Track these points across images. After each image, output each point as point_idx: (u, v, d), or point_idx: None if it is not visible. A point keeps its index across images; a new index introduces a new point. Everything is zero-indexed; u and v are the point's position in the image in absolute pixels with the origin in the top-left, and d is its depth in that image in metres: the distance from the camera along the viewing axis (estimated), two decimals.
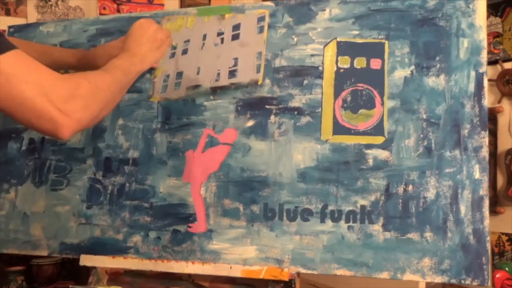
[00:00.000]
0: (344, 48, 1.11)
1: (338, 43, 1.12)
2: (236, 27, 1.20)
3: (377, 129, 1.06)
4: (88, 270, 1.18)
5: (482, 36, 1.03)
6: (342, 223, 1.04)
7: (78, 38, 1.35)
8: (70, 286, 1.20)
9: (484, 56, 1.02)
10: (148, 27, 1.14)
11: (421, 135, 1.03)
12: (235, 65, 1.17)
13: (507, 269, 1.64)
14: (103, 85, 0.90)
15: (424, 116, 1.04)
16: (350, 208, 1.04)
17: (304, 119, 1.10)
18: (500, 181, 1.83)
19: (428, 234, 0.99)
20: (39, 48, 1.23)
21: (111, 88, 0.93)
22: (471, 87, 1.02)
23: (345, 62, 1.10)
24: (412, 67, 1.06)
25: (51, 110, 0.78)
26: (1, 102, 0.76)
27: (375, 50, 1.09)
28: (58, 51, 1.25)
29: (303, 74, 1.13)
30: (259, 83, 1.15)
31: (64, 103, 0.79)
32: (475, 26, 1.04)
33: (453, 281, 0.96)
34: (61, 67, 1.24)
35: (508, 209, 1.80)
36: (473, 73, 1.02)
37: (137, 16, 1.32)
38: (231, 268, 1.07)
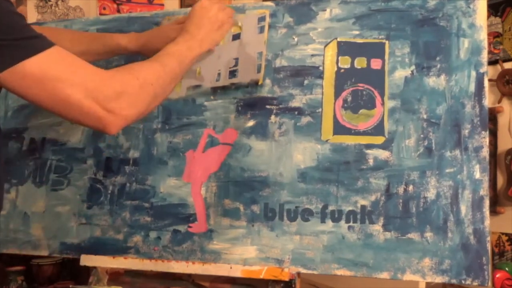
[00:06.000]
0: (345, 48, 1.11)
1: (339, 43, 1.12)
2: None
3: (378, 129, 1.06)
4: (88, 270, 1.18)
5: (483, 36, 1.03)
6: (343, 223, 1.04)
7: None
8: (70, 286, 1.21)
9: (484, 56, 1.02)
10: (210, 7, 1.08)
11: (422, 135, 1.03)
12: (236, 65, 1.17)
13: (507, 269, 1.64)
14: (152, 79, 0.87)
15: (425, 116, 1.04)
16: (351, 208, 1.04)
17: (305, 119, 1.10)
18: (500, 181, 1.83)
19: (428, 234, 0.99)
20: (88, 35, 1.21)
21: (160, 81, 0.90)
22: (472, 87, 1.02)
23: (345, 62, 1.10)
24: (413, 67, 1.06)
25: (98, 110, 0.78)
26: (48, 104, 0.77)
27: (375, 50, 1.09)
28: (109, 37, 1.18)
29: (304, 74, 1.13)
30: (259, 83, 1.15)
31: (110, 102, 0.79)
32: (476, 26, 1.04)
33: (453, 281, 0.96)
34: (116, 53, 1.19)
35: (508, 209, 1.80)
36: (473, 73, 1.02)
37: (137, 16, 1.32)
38: (231, 268, 1.07)
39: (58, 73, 0.76)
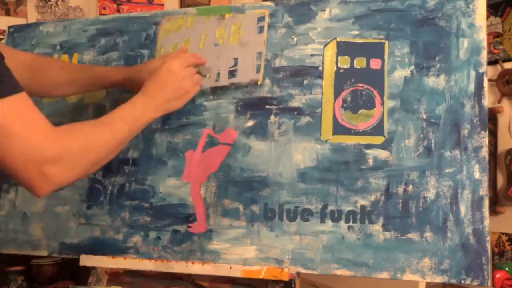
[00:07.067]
0: (344, 48, 1.11)
1: (338, 43, 1.12)
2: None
3: (377, 129, 1.06)
4: (88, 270, 1.18)
5: (482, 36, 1.03)
6: (342, 223, 1.03)
7: (78, 38, 1.35)
8: (70, 286, 1.21)
9: (484, 56, 1.02)
10: (177, 73, 1.02)
11: (421, 135, 1.03)
12: (235, 65, 1.17)
13: (507, 269, 1.64)
14: (97, 145, 0.85)
15: (424, 116, 1.04)
16: (350, 208, 1.04)
17: (304, 119, 1.10)
18: (500, 181, 1.83)
19: (428, 234, 0.99)
20: (78, 66, 1.22)
21: (106, 147, 0.88)
22: (471, 87, 1.02)
23: (345, 62, 1.10)
24: (412, 67, 1.06)
25: (32, 171, 0.75)
26: None
27: (375, 50, 1.09)
28: (98, 69, 1.16)
29: (303, 74, 1.13)
30: (259, 83, 1.15)
31: (47, 165, 0.76)
32: (475, 26, 1.04)
33: (453, 281, 0.96)
34: (102, 85, 1.16)
35: (508, 209, 1.80)
36: (473, 73, 1.02)
37: (137, 16, 1.32)
38: (231, 268, 1.07)
39: (8, 122, 0.73)
